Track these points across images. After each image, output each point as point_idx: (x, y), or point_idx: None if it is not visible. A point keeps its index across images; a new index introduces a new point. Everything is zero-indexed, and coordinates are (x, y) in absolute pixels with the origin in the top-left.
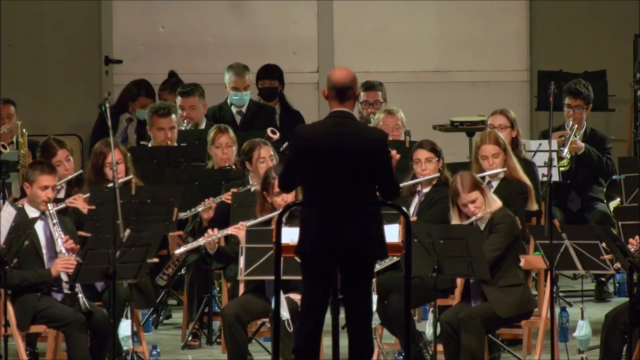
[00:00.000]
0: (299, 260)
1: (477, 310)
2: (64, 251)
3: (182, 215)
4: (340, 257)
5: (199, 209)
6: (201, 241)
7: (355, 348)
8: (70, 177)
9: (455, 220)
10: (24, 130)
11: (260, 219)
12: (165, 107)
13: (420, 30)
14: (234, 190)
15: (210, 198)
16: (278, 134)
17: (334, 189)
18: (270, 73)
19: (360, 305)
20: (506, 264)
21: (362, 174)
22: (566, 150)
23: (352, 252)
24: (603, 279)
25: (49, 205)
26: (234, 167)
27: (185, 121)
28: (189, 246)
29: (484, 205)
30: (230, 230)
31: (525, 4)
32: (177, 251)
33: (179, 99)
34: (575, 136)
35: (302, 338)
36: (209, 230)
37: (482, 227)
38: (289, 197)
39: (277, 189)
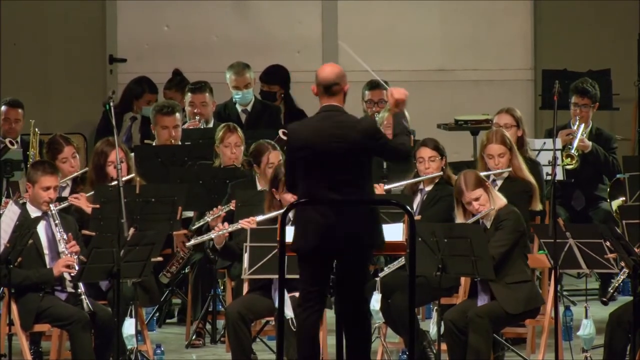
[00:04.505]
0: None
1: (485, 309)
2: (66, 252)
3: (192, 227)
4: (337, 250)
5: (208, 219)
6: (212, 234)
7: (353, 343)
8: (75, 174)
9: (459, 219)
10: (36, 129)
11: (270, 215)
12: (169, 106)
13: (424, 29)
14: (234, 204)
15: (219, 207)
16: None
17: (326, 183)
18: (270, 78)
19: (356, 298)
20: (513, 261)
21: (352, 166)
22: (574, 147)
23: (347, 242)
24: (612, 291)
25: (51, 205)
26: (240, 166)
27: (197, 117)
28: (200, 239)
29: (488, 203)
30: (241, 224)
31: (530, 4)
32: (189, 244)
33: (189, 96)
34: (583, 135)
35: (302, 333)
36: (220, 224)
37: (489, 224)
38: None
39: None
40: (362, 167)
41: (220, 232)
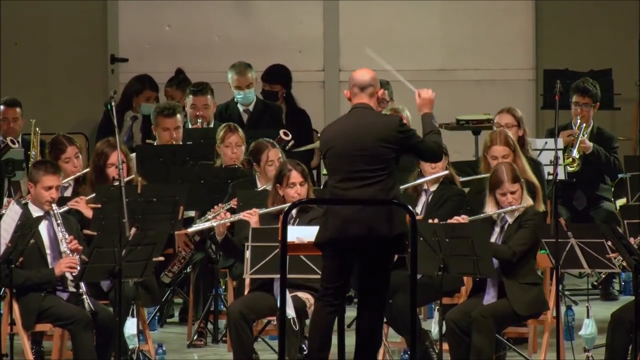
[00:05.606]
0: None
1: (490, 309)
2: (68, 252)
3: (193, 229)
4: (352, 240)
5: (210, 218)
6: (214, 223)
7: (363, 340)
8: (78, 174)
9: (491, 208)
10: (37, 129)
11: (272, 208)
12: (170, 107)
13: (425, 29)
14: (235, 202)
15: (220, 204)
16: (290, 135)
17: (346, 177)
18: (272, 77)
19: (374, 295)
20: (529, 262)
21: (372, 160)
22: (575, 150)
23: (363, 233)
24: (604, 276)
25: (53, 205)
26: (241, 166)
27: (200, 120)
28: (201, 226)
29: (520, 199)
30: (242, 215)
31: (531, 4)
32: (190, 230)
33: (190, 98)
34: (584, 135)
35: (315, 326)
36: (222, 213)
37: (511, 220)
38: (302, 191)
39: (291, 181)
40: (382, 162)
41: (221, 222)
